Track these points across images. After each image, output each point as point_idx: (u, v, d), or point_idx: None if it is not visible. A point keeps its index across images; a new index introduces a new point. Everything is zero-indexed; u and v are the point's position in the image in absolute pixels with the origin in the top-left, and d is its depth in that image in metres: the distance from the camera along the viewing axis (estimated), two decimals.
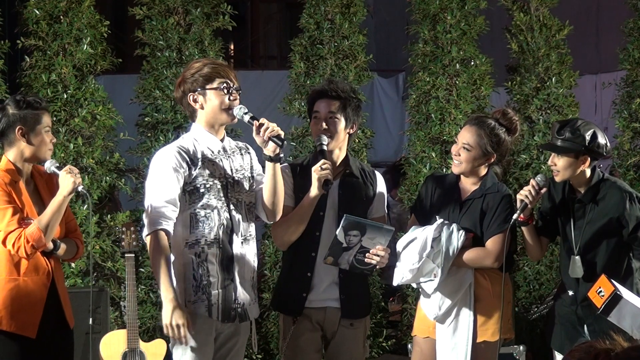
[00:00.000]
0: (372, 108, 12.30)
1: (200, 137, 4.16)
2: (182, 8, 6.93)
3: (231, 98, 4.12)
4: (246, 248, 4.19)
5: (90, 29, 6.68)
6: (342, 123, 4.41)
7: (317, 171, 4.22)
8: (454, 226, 4.47)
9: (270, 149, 4.10)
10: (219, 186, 4.12)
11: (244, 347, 4.33)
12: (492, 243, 4.48)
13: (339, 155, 4.48)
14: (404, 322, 7.17)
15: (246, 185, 4.22)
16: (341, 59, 7.12)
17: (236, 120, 4.14)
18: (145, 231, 4.06)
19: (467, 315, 4.50)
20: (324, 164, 4.22)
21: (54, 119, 6.52)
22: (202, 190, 4.08)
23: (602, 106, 11.05)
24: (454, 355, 4.49)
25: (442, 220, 4.49)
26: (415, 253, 4.46)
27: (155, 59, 6.88)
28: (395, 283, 4.61)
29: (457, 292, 4.50)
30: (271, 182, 4.16)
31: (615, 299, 3.70)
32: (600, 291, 3.79)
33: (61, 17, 6.64)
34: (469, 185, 4.59)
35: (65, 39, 6.61)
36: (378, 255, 4.28)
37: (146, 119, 6.87)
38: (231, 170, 4.17)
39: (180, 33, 6.89)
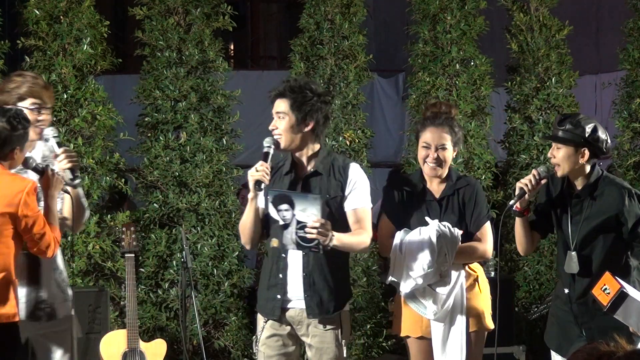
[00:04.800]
0: (372, 108, 12.28)
1: None
2: (182, 8, 6.93)
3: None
4: None
5: (90, 29, 6.68)
6: (289, 121, 4.27)
7: (251, 173, 4.21)
8: (448, 225, 4.49)
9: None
10: None
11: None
12: (482, 235, 4.58)
13: (303, 154, 4.35)
14: None
15: None
16: (341, 59, 7.12)
17: None
18: None
19: (460, 308, 4.54)
20: (260, 165, 4.20)
21: (54, 119, 6.52)
22: None
23: (602, 106, 11.05)
24: (451, 349, 4.51)
25: (436, 220, 4.50)
26: (425, 258, 4.44)
27: (155, 59, 6.88)
28: (408, 290, 4.55)
29: (453, 288, 4.53)
30: None
31: (621, 296, 3.67)
32: (606, 288, 3.76)
33: (61, 17, 6.64)
34: (435, 184, 4.62)
35: (65, 39, 6.61)
36: (315, 228, 4.07)
37: (146, 119, 6.87)
38: None
39: (180, 33, 6.88)
